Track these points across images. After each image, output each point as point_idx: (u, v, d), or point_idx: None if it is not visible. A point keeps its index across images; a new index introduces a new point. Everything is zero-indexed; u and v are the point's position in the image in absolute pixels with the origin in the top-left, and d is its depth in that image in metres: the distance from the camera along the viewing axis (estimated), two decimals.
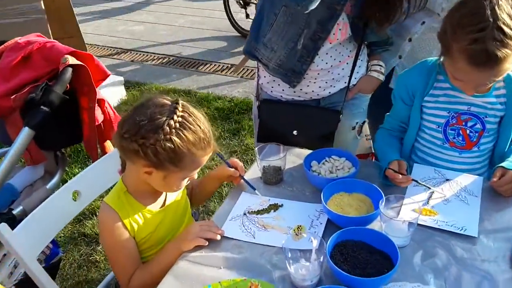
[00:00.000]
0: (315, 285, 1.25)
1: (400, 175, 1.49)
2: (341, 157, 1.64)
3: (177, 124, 1.30)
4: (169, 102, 1.35)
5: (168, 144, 1.28)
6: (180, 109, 1.32)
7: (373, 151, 2.53)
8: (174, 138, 1.28)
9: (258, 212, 1.52)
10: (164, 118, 1.29)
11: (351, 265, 1.24)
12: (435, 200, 1.51)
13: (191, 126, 1.31)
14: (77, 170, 3.19)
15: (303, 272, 1.21)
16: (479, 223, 1.40)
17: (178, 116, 1.30)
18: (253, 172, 1.71)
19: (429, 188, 1.53)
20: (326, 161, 1.65)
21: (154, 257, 1.44)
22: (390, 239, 1.27)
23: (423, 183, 1.52)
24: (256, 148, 1.66)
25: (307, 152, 1.77)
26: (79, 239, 2.66)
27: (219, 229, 1.43)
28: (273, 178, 1.63)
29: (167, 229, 1.52)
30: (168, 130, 1.28)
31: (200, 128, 1.33)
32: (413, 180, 1.50)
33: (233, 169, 1.61)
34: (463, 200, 1.51)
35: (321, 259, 1.23)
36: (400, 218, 1.39)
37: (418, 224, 1.36)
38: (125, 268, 1.43)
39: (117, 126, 1.35)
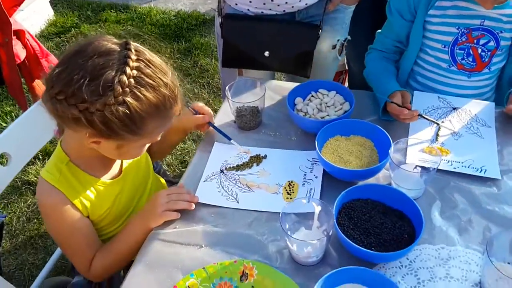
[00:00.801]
0: (320, 259, 1.03)
1: (406, 110, 1.23)
2: (330, 90, 1.36)
3: (132, 81, 0.95)
4: (116, 47, 0.98)
5: (122, 109, 0.94)
6: (133, 57, 0.97)
7: (346, 68, 2.26)
8: (130, 100, 0.94)
9: (238, 168, 1.24)
10: (113, 73, 0.94)
11: (363, 231, 1.02)
12: (444, 135, 1.29)
13: (151, 81, 0.97)
14: (8, 108, 2.75)
15: (308, 249, 0.97)
16: (499, 160, 1.20)
17: (132, 68, 0.95)
18: (224, 116, 1.40)
19: (438, 124, 1.29)
20: (312, 96, 1.36)
21: (118, 235, 1.16)
22: (405, 195, 1.04)
23: (431, 119, 1.28)
24: (227, 88, 1.34)
25: (286, 85, 1.48)
26: (23, 188, 2.32)
27: (192, 196, 1.15)
28: (250, 122, 1.34)
29: (128, 199, 1.23)
30: (120, 90, 0.93)
31: (163, 81, 0.99)
32: (419, 115, 1.25)
33: (201, 116, 1.30)
34: (475, 133, 1.29)
35: (327, 229, 0.99)
36: (411, 162, 1.15)
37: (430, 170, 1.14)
38: (82, 255, 1.15)
39: (45, 82, 0.98)
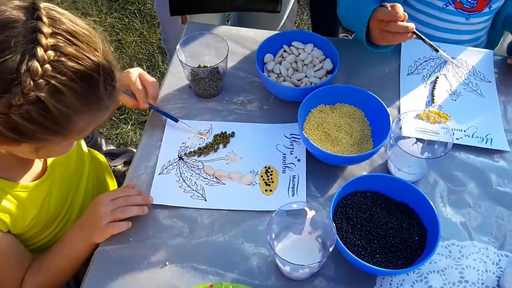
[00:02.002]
0: (314, 271, 0.84)
1: (400, 14, 0.96)
2: (307, 43, 1.10)
3: (48, 67, 0.65)
4: (19, 15, 0.66)
5: (36, 109, 0.65)
6: (46, 30, 0.66)
7: None
8: (46, 96, 0.65)
9: (201, 151, 0.99)
10: (18, 58, 0.64)
11: (365, 235, 0.84)
12: (441, 93, 1.09)
13: (76, 64, 0.67)
14: None
15: (304, 271, 0.78)
16: (504, 126, 1.03)
17: (46, 49, 0.65)
18: (175, 79, 1.12)
19: (437, 49, 1.05)
20: (285, 51, 1.10)
21: (53, 249, 0.91)
22: (412, 186, 0.86)
23: (430, 42, 1.03)
24: (178, 46, 1.04)
25: (251, 34, 1.19)
26: None
27: (146, 196, 0.91)
28: (210, 88, 1.07)
29: (60, 199, 0.96)
30: (31, 83, 0.64)
31: (93, 61, 0.69)
32: (415, 33, 1.00)
33: (134, 103, 1.01)
34: (475, 90, 1.10)
35: (322, 235, 0.81)
36: (409, 135, 0.96)
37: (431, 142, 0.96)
38: (7, 278, 0.90)
39: None
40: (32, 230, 0.93)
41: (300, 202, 0.82)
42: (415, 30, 0.98)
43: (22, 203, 0.87)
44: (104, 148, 1.38)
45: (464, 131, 1.03)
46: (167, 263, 0.85)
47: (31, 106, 0.65)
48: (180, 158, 0.98)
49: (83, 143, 1.05)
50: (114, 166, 1.32)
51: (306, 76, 1.05)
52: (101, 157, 1.21)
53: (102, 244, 0.87)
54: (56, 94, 0.66)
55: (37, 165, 0.91)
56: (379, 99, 0.97)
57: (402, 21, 0.97)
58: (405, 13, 0.98)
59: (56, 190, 0.94)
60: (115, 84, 0.74)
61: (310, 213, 0.82)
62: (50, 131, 0.70)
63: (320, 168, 0.96)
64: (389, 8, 0.99)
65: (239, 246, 0.87)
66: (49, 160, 0.93)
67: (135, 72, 1.01)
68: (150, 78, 1.02)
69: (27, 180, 0.89)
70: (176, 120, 1.01)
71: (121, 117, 2.06)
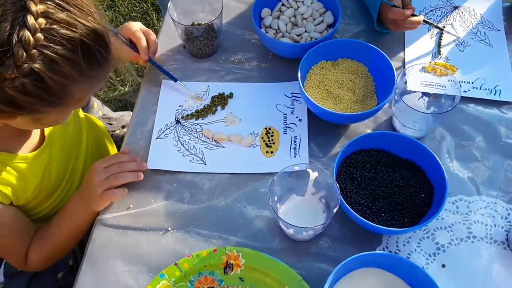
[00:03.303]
0: (318, 233, 0.83)
1: (411, 11, 0.95)
2: None
3: (40, 36, 0.61)
4: None
5: (30, 81, 0.62)
6: None
7: None
8: (40, 67, 0.61)
9: (199, 114, 0.96)
10: (8, 28, 0.59)
11: (370, 194, 0.82)
12: (447, 45, 1.04)
13: (68, 32, 0.63)
14: None
15: (308, 233, 0.76)
16: None
17: (36, 16, 0.61)
18: (168, 38, 1.07)
19: (441, 29, 1.04)
20: (283, 5, 1.04)
21: (55, 219, 0.90)
22: (419, 143, 0.83)
23: (436, 24, 1.02)
24: (170, 3, 0.99)
25: None
26: None
27: (139, 162, 0.89)
28: (205, 47, 1.02)
29: (60, 168, 0.94)
30: (24, 54, 0.60)
31: (87, 27, 0.65)
32: (424, 21, 0.98)
33: (134, 54, 0.97)
34: (483, 40, 1.05)
35: (326, 196, 0.78)
36: (414, 89, 0.92)
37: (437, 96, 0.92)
38: (12, 251, 0.89)
39: None
40: (34, 200, 0.92)
41: (302, 164, 0.79)
42: (424, 20, 0.97)
43: (22, 174, 0.85)
44: (101, 113, 1.35)
45: (472, 83, 0.98)
46: (169, 228, 0.84)
47: (26, 79, 0.61)
48: (177, 121, 0.95)
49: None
50: (112, 131, 1.30)
51: (306, 31, 1.00)
52: (99, 122, 1.18)
53: (102, 212, 0.86)
54: (51, 64, 0.62)
55: (35, 135, 0.89)
56: (383, 53, 0.93)
57: (413, 11, 0.96)
58: (413, 7, 0.96)
59: (56, 158, 0.92)
60: (110, 50, 0.70)
61: (313, 175, 0.79)
62: (47, 102, 0.66)
63: (323, 127, 0.93)
64: (400, 3, 0.96)
65: (242, 210, 0.85)
66: (47, 130, 0.91)
67: (136, 25, 0.98)
68: (151, 33, 0.98)
69: (25, 151, 0.86)
70: (175, 80, 0.98)
71: (117, 78, 2.02)
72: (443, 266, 0.80)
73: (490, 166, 0.89)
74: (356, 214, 0.76)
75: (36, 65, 0.61)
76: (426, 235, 0.83)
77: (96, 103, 1.45)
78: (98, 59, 0.68)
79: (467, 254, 0.81)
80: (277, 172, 0.77)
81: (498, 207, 0.85)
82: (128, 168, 0.87)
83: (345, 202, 0.77)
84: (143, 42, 0.97)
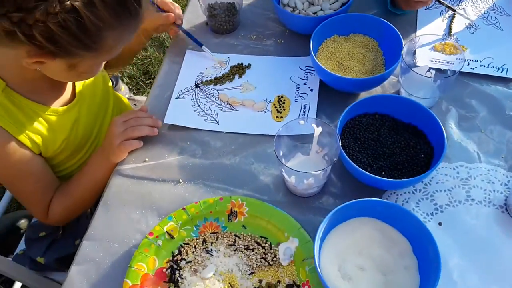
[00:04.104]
0: (321, 189, 0.87)
1: None
2: None
3: None
4: None
5: (71, 18, 0.69)
6: None
7: None
8: (80, 5, 0.69)
9: (217, 81, 1.03)
10: None
11: (372, 154, 0.85)
12: (458, 27, 1.08)
13: None
14: None
15: (309, 181, 0.81)
16: None
17: None
18: (193, 16, 1.15)
19: (454, 10, 1.07)
20: None
21: (77, 174, 0.97)
22: (421, 105, 0.86)
23: (447, 4, 1.06)
24: None
25: None
26: None
27: (155, 119, 0.95)
28: (226, 23, 1.10)
29: (87, 127, 1.02)
30: None
31: None
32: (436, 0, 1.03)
33: (165, 15, 1.05)
34: (493, 23, 1.09)
35: (329, 154, 0.82)
36: (423, 64, 0.96)
37: (444, 70, 0.96)
38: (36, 200, 0.97)
39: None
40: (62, 155, 0.99)
41: (308, 118, 0.84)
42: None
43: (52, 126, 0.93)
44: (127, 96, 1.44)
45: (480, 61, 1.01)
46: (180, 180, 0.89)
47: (67, 15, 0.69)
48: (197, 85, 1.02)
49: (107, 76, 1.10)
50: None
51: (321, 9, 1.06)
52: (125, 100, 1.26)
53: (120, 164, 0.92)
54: (89, 5, 0.70)
55: (67, 91, 0.97)
56: (393, 26, 0.97)
57: None
58: None
59: (84, 116, 1.00)
60: (142, 4, 0.78)
61: (318, 130, 0.83)
62: (82, 44, 0.73)
63: (332, 98, 0.98)
64: None
65: (249, 167, 0.91)
66: (78, 88, 0.99)
67: None
68: (176, 5, 1.07)
69: (57, 105, 0.94)
70: (201, 45, 1.05)
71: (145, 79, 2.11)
72: (440, 224, 0.82)
73: (493, 137, 0.91)
74: (356, 166, 0.79)
75: (77, 3, 0.68)
76: (425, 196, 0.85)
77: (123, 87, 1.55)
78: (130, 9, 0.75)
79: (464, 215, 0.83)
80: (284, 124, 0.82)
81: (498, 174, 0.87)
82: (145, 123, 0.93)
83: (346, 156, 0.81)
84: (177, 10, 1.05)
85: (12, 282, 1.30)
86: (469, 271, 0.77)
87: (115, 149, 0.91)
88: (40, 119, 0.92)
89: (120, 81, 1.58)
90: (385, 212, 0.76)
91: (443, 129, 0.82)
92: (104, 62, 0.89)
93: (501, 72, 0.99)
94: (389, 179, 0.80)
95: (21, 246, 1.26)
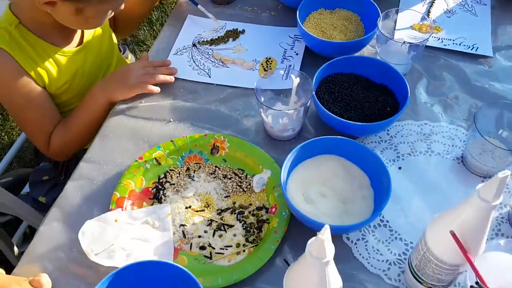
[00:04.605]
0: (297, 134, 0.96)
1: None
2: None
3: None
4: None
5: None
6: None
7: None
8: None
9: (213, 42, 1.14)
10: None
11: (344, 106, 0.95)
12: (437, 12, 1.19)
13: None
14: None
15: (283, 121, 0.90)
16: (492, 39, 1.11)
17: None
18: None
19: None
20: None
21: (76, 109, 1.07)
22: (393, 68, 0.96)
23: None
24: None
25: None
26: None
27: (172, 68, 1.06)
28: None
29: (91, 75, 1.13)
30: None
31: None
32: None
33: None
34: (469, 10, 1.19)
35: (305, 101, 0.92)
36: (400, 38, 1.06)
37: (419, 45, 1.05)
38: (39, 129, 1.07)
39: None
40: (63, 96, 1.10)
41: (288, 68, 0.94)
42: None
43: (59, 66, 1.04)
44: None
45: (453, 40, 1.11)
46: (171, 120, 0.99)
47: None
48: (194, 45, 1.13)
49: (113, 36, 1.22)
50: None
51: None
52: (128, 63, 1.37)
53: (118, 103, 1.02)
54: None
55: (75, 39, 1.08)
56: (375, 4, 1.08)
57: None
58: None
59: (88, 64, 1.11)
60: None
61: (296, 81, 0.93)
62: None
63: (315, 63, 1.07)
64: None
65: (234, 113, 1.00)
66: (86, 38, 1.10)
67: None
68: None
69: (65, 48, 1.05)
70: (196, 4, 1.16)
71: None
72: (400, 168, 0.91)
73: (457, 102, 1.01)
74: (327, 111, 0.89)
75: None
76: (390, 146, 0.94)
77: (130, 56, 1.67)
78: None
79: (423, 163, 0.92)
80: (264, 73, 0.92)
81: (458, 133, 0.96)
82: (161, 72, 1.03)
83: (319, 103, 0.91)
84: None
85: (18, 223, 1.40)
86: (420, 208, 0.85)
87: (126, 88, 1.00)
88: (49, 57, 1.02)
89: (127, 50, 1.70)
90: (348, 149, 0.86)
91: (408, 86, 0.92)
92: (108, 14, 0.99)
93: (471, 49, 1.09)
94: (357, 123, 0.89)
95: (25, 189, 1.36)
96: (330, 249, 0.52)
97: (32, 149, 1.35)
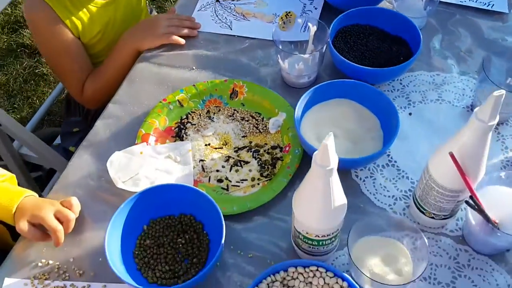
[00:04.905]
0: (312, 82, 1.01)
1: None
2: None
3: None
4: None
5: None
6: None
7: None
8: None
9: None
10: None
11: (359, 55, 0.99)
12: None
13: None
14: None
15: (299, 66, 0.95)
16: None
17: None
18: None
19: None
20: None
21: (107, 60, 1.14)
22: (408, 19, 0.99)
23: None
24: None
25: None
26: (18, 51, 2.29)
27: (195, 22, 1.11)
28: None
29: (121, 28, 1.18)
30: None
31: None
32: None
33: None
34: None
35: (322, 49, 0.96)
36: None
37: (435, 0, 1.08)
38: (73, 76, 1.14)
39: None
40: (96, 47, 1.17)
41: (306, 18, 0.98)
42: None
43: (92, 16, 1.11)
44: None
45: None
46: (194, 67, 1.05)
47: None
48: (217, 0, 1.18)
49: None
50: None
51: None
52: None
53: (143, 53, 1.09)
54: None
55: None
56: None
57: None
58: None
59: (118, 18, 1.17)
60: None
61: (313, 29, 0.97)
62: None
63: (333, 17, 1.11)
64: None
65: (254, 63, 1.05)
66: None
67: None
68: None
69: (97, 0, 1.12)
70: None
71: None
72: (410, 114, 0.95)
73: (470, 55, 1.03)
74: (342, 57, 0.93)
75: None
76: (402, 94, 0.98)
77: (155, 13, 1.72)
78: None
79: (433, 110, 0.95)
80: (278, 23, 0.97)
81: (469, 83, 0.99)
82: (185, 25, 1.09)
83: (335, 51, 0.95)
84: None
85: (48, 179, 1.49)
86: (428, 150, 0.89)
87: (154, 37, 1.07)
88: (82, 7, 1.09)
89: (154, 11, 1.76)
90: (360, 93, 0.90)
91: (421, 36, 0.95)
92: None
93: (487, 6, 1.11)
94: (370, 68, 0.93)
95: (57, 141, 1.45)
96: (334, 158, 0.57)
97: (63, 105, 1.43)
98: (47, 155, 1.32)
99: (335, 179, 0.60)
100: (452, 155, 0.63)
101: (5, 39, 2.32)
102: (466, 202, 0.66)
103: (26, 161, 1.43)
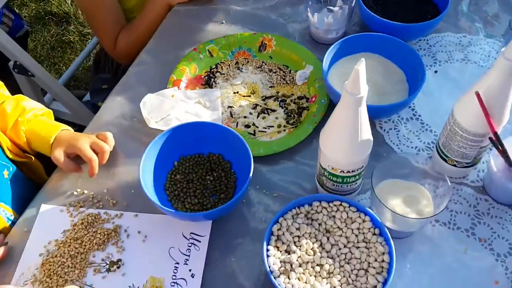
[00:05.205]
0: (340, 38, 1.02)
1: None
2: None
3: None
4: None
5: None
6: None
7: None
8: None
9: None
10: None
11: (387, 11, 1.00)
12: None
13: None
14: None
15: (328, 20, 0.97)
16: None
17: None
18: None
19: None
20: None
21: (140, 15, 1.17)
22: None
23: None
24: None
25: None
26: (46, 18, 2.34)
27: None
28: None
29: None
30: None
31: None
32: None
33: None
34: None
35: (351, 2, 0.98)
36: None
37: None
38: (107, 30, 1.18)
39: None
40: (130, 1, 1.20)
41: None
42: None
43: None
44: None
45: None
46: (223, 21, 1.08)
47: None
48: None
49: None
50: None
51: None
52: None
53: (176, 6, 1.12)
54: None
55: None
56: None
57: None
58: None
59: None
60: None
61: None
62: None
63: None
64: None
65: (283, 18, 1.08)
66: None
67: None
68: None
69: None
70: None
71: None
72: (436, 72, 0.96)
73: (496, 19, 1.04)
74: (371, 13, 0.95)
75: None
76: (428, 53, 1.00)
77: None
78: None
79: (459, 69, 0.97)
80: None
81: (495, 46, 1.00)
82: None
83: (364, 6, 0.97)
84: None
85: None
86: (452, 105, 0.91)
87: None
88: None
89: None
90: (387, 47, 0.92)
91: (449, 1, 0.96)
92: None
93: None
94: (398, 22, 0.94)
95: (86, 98, 1.49)
96: (364, 86, 0.59)
97: (93, 62, 1.47)
98: (78, 109, 1.37)
99: (364, 111, 0.63)
100: (477, 94, 0.65)
101: (34, 7, 2.37)
102: (490, 139, 0.68)
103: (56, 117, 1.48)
